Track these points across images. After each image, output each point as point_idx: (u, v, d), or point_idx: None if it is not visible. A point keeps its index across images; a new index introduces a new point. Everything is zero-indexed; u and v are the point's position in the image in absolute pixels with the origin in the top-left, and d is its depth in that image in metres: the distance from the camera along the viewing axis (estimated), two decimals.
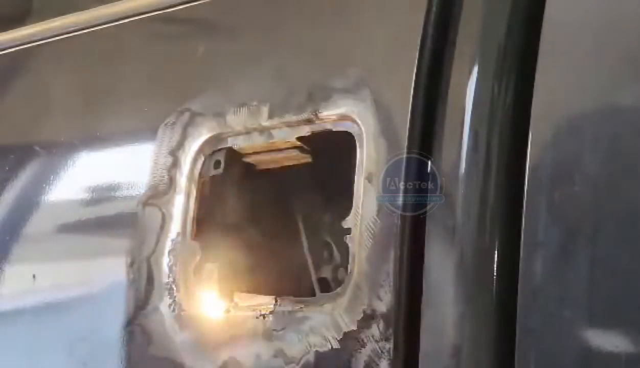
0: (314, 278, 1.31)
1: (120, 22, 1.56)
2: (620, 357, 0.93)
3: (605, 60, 0.99)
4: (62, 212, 1.57)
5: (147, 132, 1.43)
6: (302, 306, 1.19)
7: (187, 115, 1.36)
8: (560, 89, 1.01)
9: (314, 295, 1.26)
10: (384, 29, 1.17)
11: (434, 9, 1.13)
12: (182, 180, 1.34)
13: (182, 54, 1.46)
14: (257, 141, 1.29)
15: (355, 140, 1.17)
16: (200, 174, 1.33)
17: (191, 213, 1.32)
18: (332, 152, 1.21)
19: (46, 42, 1.69)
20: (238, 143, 1.31)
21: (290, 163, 1.29)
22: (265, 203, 1.36)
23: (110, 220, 1.48)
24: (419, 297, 1.07)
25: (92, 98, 1.57)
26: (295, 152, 1.27)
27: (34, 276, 1.54)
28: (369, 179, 1.14)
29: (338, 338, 1.13)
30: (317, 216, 1.35)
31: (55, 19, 1.69)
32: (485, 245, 1.04)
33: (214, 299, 1.29)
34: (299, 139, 1.24)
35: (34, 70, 1.76)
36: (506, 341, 0.99)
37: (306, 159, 1.28)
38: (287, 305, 1.20)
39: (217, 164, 1.33)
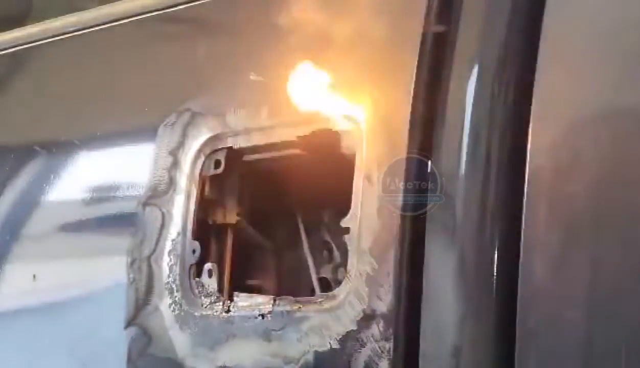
0: (314, 278, 1.31)
1: (120, 22, 1.56)
2: (620, 357, 0.93)
3: (606, 60, 0.99)
4: (62, 212, 1.57)
5: (147, 132, 1.43)
6: (302, 306, 1.19)
7: (187, 115, 1.36)
8: (560, 89, 1.01)
9: (314, 295, 1.26)
10: (384, 29, 1.17)
11: (434, 9, 1.13)
12: (182, 180, 1.34)
13: (182, 54, 1.46)
14: (257, 141, 1.29)
15: (355, 140, 1.17)
16: (200, 173, 1.33)
17: (191, 213, 1.32)
18: (332, 152, 1.21)
19: (46, 42, 1.69)
20: (238, 143, 1.31)
21: (290, 163, 1.29)
22: (265, 203, 1.36)
23: (110, 220, 1.48)
24: (419, 297, 1.07)
25: (92, 98, 1.57)
26: (295, 152, 1.27)
27: (34, 276, 1.54)
28: (369, 179, 1.14)
29: (338, 338, 1.13)
30: (317, 216, 1.35)
31: (55, 19, 1.69)
32: (485, 245, 1.04)
33: (213, 299, 1.29)
34: (299, 138, 1.24)
35: (34, 70, 1.76)
36: (506, 341, 0.99)
37: (306, 158, 1.27)
38: (286, 305, 1.20)
39: (217, 163, 1.33)
